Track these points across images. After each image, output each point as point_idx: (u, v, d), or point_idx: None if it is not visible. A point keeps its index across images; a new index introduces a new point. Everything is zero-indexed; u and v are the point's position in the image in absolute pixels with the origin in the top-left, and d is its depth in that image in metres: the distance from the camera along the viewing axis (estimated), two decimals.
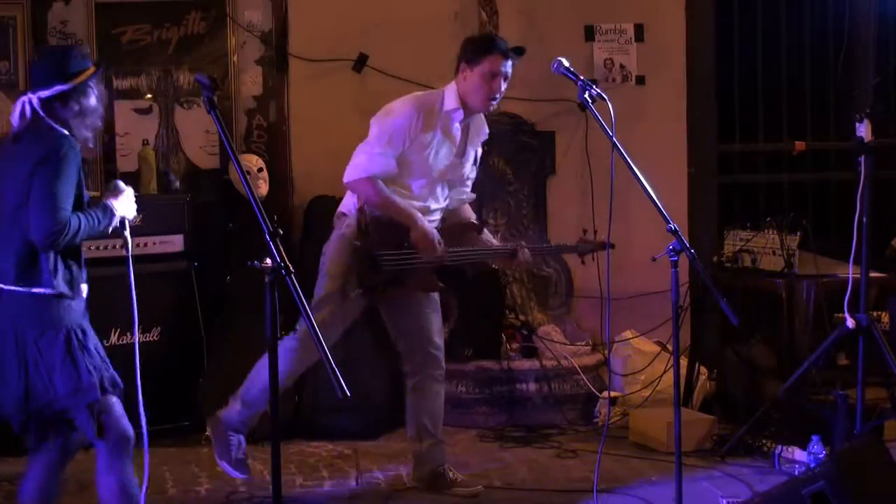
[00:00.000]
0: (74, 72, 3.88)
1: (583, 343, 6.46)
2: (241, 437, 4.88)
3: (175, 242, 5.95)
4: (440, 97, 4.79)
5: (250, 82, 6.50)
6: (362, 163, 4.72)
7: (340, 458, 5.63)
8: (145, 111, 6.43)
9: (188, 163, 6.47)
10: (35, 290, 3.80)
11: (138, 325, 5.69)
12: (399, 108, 4.77)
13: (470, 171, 4.98)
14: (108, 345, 5.74)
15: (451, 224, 5.00)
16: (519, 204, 6.59)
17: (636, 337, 6.33)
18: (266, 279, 3.43)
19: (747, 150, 7.08)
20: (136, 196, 6.01)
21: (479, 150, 5.01)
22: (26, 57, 6.13)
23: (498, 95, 4.78)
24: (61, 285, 3.82)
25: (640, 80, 6.71)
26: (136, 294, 5.81)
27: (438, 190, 4.88)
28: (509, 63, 4.77)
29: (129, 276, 4.00)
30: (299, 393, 5.91)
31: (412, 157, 4.75)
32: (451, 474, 4.99)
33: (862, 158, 5.06)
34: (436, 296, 4.98)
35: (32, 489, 4.02)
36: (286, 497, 4.63)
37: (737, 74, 7.03)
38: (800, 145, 6.93)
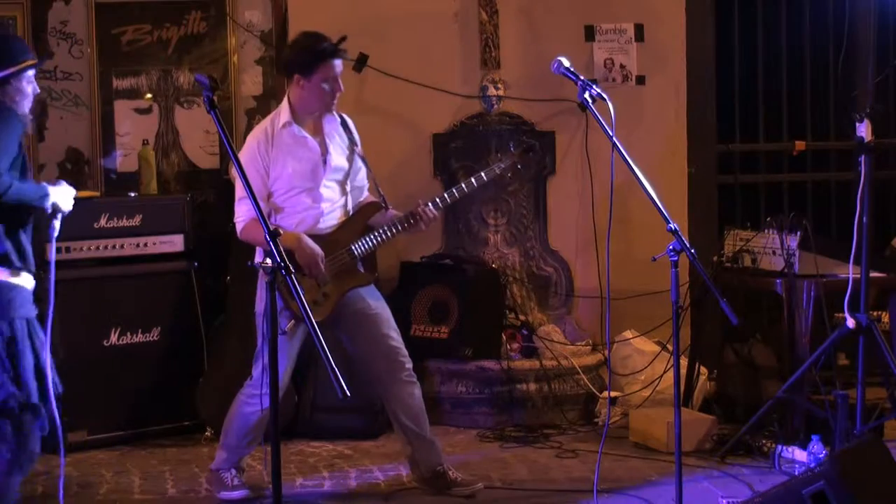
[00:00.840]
0: (15, 60, 4.02)
1: (583, 343, 6.46)
2: (232, 469, 4.97)
3: (175, 242, 5.96)
4: (276, 116, 4.87)
5: (250, 82, 6.51)
6: (239, 213, 4.81)
7: (340, 458, 5.63)
8: (145, 111, 6.44)
9: (188, 163, 6.47)
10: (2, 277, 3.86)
11: (138, 326, 5.82)
12: (243, 152, 4.87)
13: (349, 160, 4.93)
14: (108, 344, 5.77)
15: (354, 215, 4.97)
16: (519, 204, 6.58)
17: (636, 337, 6.33)
18: (266, 279, 3.43)
19: (747, 150, 7.08)
20: (134, 196, 6.06)
21: (347, 134, 4.95)
22: None
23: (338, 94, 4.81)
24: (15, 276, 3.94)
25: (640, 80, 6.71)
26: (136, 294, 5.87)
27: (325, 191, 4.87)
28: (340, 61, 4.78)
29: (51, 269, 4.04)
30: (299, 393, 5.92)
31: (280, 180, 4.81)
32: (451, 474, 4.99)
33: (862, 158, 5.06)
34: (370, 295, 4.94)
35: None
36: (286, 497, 4.63)
37: (737, 74, 7.03)
38: (800, 145, 6.93)
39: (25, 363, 3.91)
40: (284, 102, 4.87)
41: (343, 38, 4.80)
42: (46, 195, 4.07)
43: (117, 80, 6.37)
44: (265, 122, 4.91)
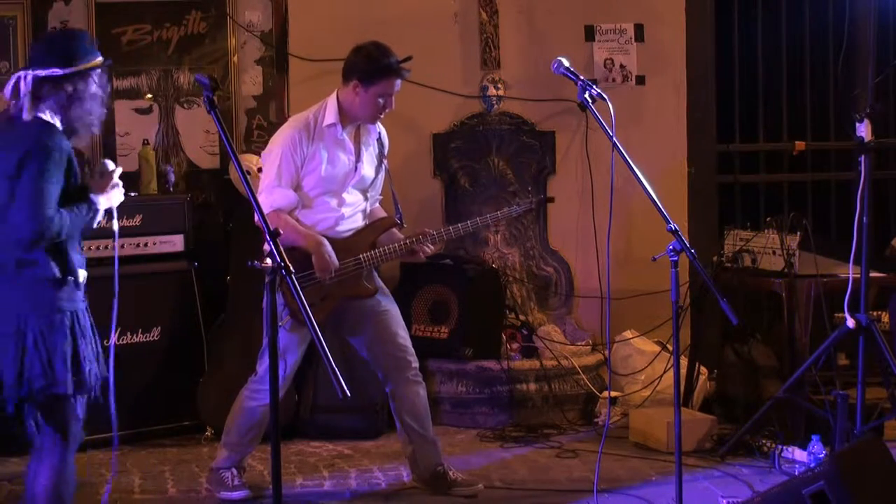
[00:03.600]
0: (77, 58, 3.84)
1: (583, 343, 6.46)
2: (233, 469, 4.98)
3: (175, 242, 5.96)
4: (320, 112, 4.86)
5: (250, 82, 6.51)
6: (264, 199, 4.78)
7: (340, 458, 5.63)
8: (145, 111, 6.44)
9: (188, 163, 6.47)
10: (35, 274, 3.80)
11: (138, 326, 5.82)
12: (279, 140, 4.87)
13: (376, 170, 4.98)
14: (107, 344, 5.75)
15: (369, 226, 4.99)
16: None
17: (636, 337, 6.33)
18: (266, 279, 3.43)
19: (747, 150, 7.08)
20: (135, 196, 6.04)
21: (378, 146, 4.99)
22: (26, 57, 6.13)
23: (388, 110, 4.84)
24: (55, 269, 3.81)
25: (640, 80, 6.71)
26: (136, 294, 5.86)
27: (348, 196, 4.90)
28: (400, 81, 4.82)
29: (115, 265, 3.97)
30: (299, 393, 5.92)
31: (310, 176, 4.82)
32: (451, 474, 4.99)
33: (862, 158, 5.06)
34: (382, 298, 4.97)
35: (45, 487, 3.90)
36: (286, 497, 4.63)
37: (737, 74, 7.03)
38: (800, 145, 6.92)
39: (57, 358, 3.88)
40: (332, 101, 4.86)
41: (408, 58, 4.82)
42: (97, 211, 3.91)
43: (117, 80, 6.36)
44: (307, 115, 4.90)
